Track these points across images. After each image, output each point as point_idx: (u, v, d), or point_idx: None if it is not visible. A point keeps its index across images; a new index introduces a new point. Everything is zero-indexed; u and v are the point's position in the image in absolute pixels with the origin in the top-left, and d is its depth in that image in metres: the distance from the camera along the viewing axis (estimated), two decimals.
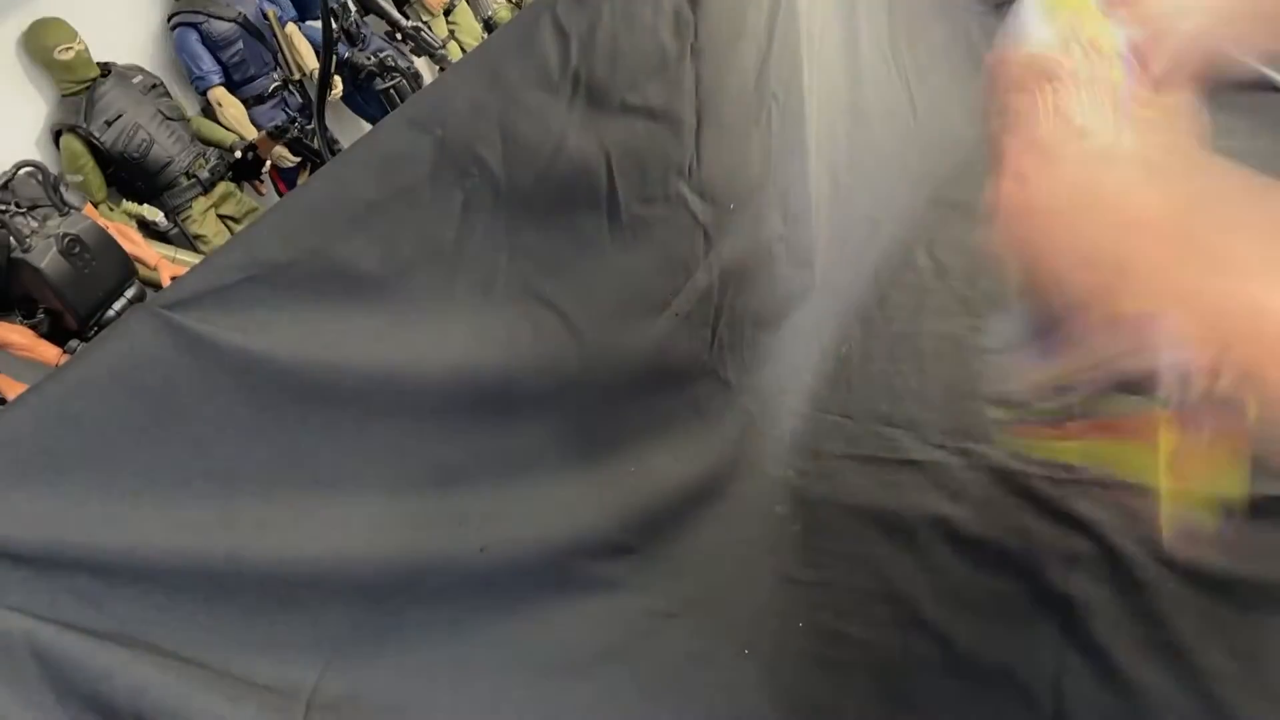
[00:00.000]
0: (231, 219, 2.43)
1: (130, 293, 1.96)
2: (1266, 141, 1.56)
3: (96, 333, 1.91)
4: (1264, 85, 1.73)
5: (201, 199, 2.35)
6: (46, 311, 1.87)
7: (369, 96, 2.47)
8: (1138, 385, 0.49)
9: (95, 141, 2.12)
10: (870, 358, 1.36)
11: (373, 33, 2.55)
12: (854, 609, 1.03)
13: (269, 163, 2.49)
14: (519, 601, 0.94)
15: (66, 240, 1.82)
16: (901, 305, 1.46)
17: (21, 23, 2.04)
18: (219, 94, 2.41)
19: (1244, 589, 0.91)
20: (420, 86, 2.34)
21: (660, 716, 0.95)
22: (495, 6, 2.95)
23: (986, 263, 1.51)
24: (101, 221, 1.97)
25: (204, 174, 2.33)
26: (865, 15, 1.71)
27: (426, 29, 2.23)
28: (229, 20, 2.38)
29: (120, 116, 2.14)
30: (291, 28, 2.57)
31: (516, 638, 0.92)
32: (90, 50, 2.11)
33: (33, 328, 1.85)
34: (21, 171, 1.90)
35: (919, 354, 1.33)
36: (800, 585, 1.08)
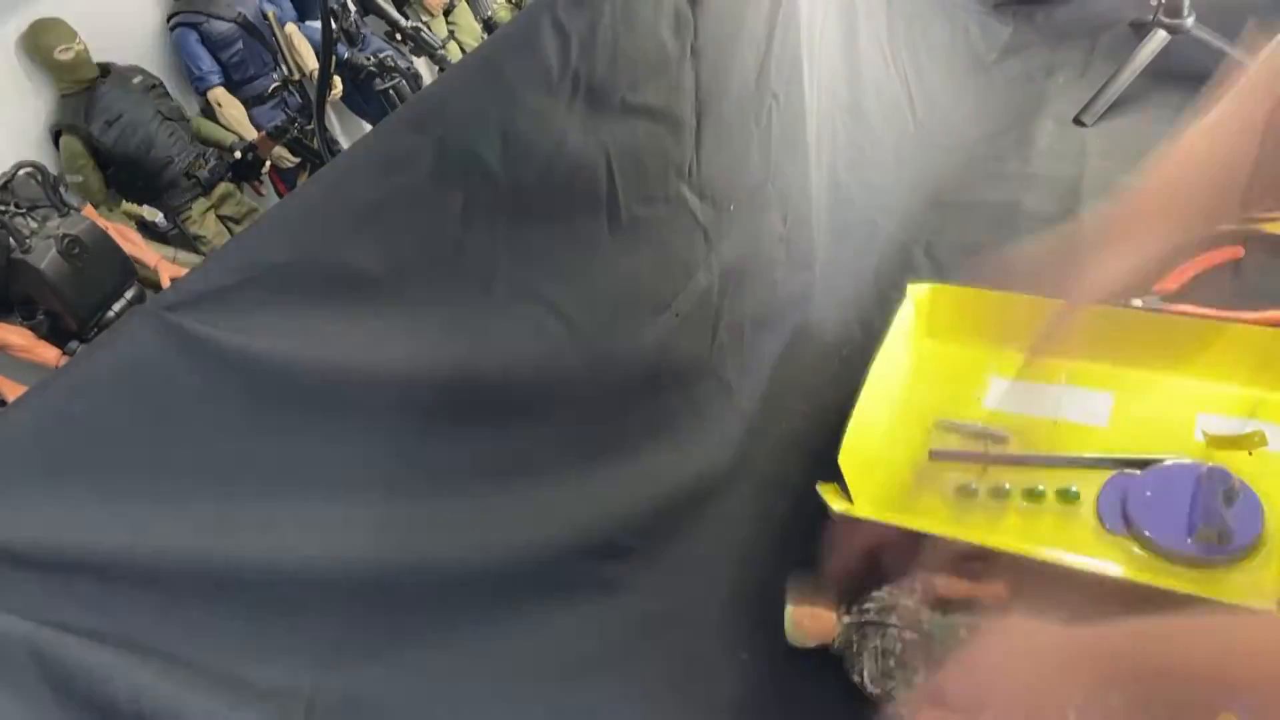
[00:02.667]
0: (231, 219, 2.42)
1: (130, 294, 1.96)
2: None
3: (96, 334, 1.91)
4: None
5: (201, 199, 2.34)
6: (46, 312, 1.86)
7: (369, 96, 2.47)
8: None
9: (95, 142, 2.11)
10: (872, 359, 1.36)
11: (372, 33, 2.55)
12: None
13: (268, 163, 2.48)
14: (519, 603, 0.94)
15: (66, 241, 1.81)
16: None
17: (21, 23, 2.03)
18: (219, 94, 2.40)
19: None
20: (420, 87, 2.34)
21: (659, 718, 0.95)
22: (495, 6, 2.94)
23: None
24: (101, 222, 1.96)
25: (204, 174, 2.32)
26: (865, 15, 1.71)
27: (426, 29, 2.23)
28: (229, 20, 2.37)
29: (120, 117, 2.14)
30: (291, 28, 2.56)
31: (516, 639, 0.92)
32: (90, 51, 2.11)
33: (32, 329, 1.84)
34: (21, 172, 1.89)
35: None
36: None
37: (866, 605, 0.96)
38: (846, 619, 0.96)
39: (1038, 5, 2.28)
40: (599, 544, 1.03)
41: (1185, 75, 1.83)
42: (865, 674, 0.91)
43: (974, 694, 0.71)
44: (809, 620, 0.96)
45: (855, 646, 0.93)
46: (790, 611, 0.96)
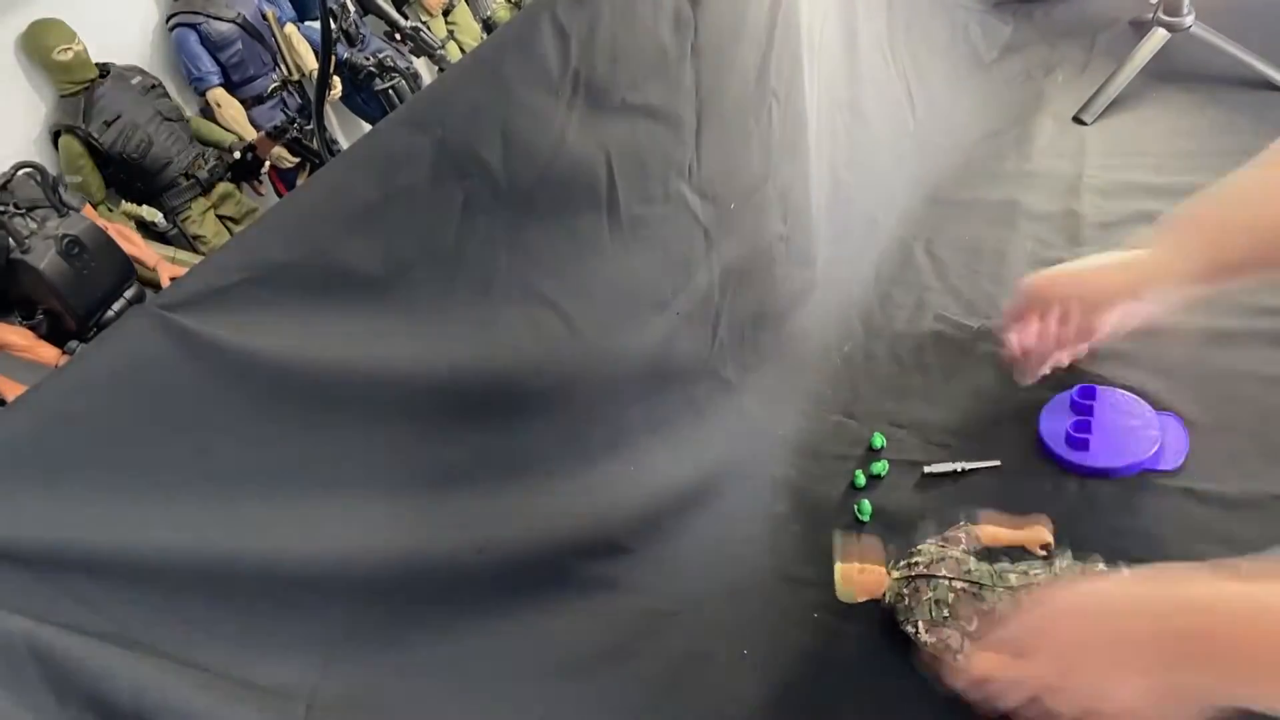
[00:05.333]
0: (231, 219, 2.42)
1: (129, 293, 1.95)
2: (1265, 141, 1.56)
3: (96, 334, 1.90)
4: (1265, 84, 1.73)
5: (200, 199, 2.34)
6: (45, 312, 1.86)
7: (368, 97, 2.46)
8: None
9: (94, 142, 2.11)
10: (873, 357, 1.36)
11: (371, 33, 2.54)
12: (859, 611, 1.03)
13: (268, 163, 2.48)
14: (518, 602, 0.94)
15: (65, 241, 1.81)
16: (903, 304, 1.46)
17: (20, 23, 2.03)
18: (218, 94, 2.40)
19: None
20: (419, 87, 2.34)
21: (659, 717, 0.95)
22: (494, 6, 2.94)
23: (983, 260, 1.51)
24: (101, 222, 1.96)
25: (203, 174, 2.31)
26: (865, 14, 1.71)
27: (425, 29, 2.22)
28: (228, 21, 2.37)
29: (119, 117, 2.13)
30: (290, 28, 2.56)
31: (515, 638, 0.92)
32: (89, 51, 2.11)
33: (32, 329, 1.84)
34: (20, 172, 1.89)
35: (922, 353, 1.33)
36: (800, 584, 1.08)
37: (915, 560, 0.98)
38: (895, 574, 0.97)
39: (1037, 3, 2.28)
40: (599, 542, 1.03)
41: (1185, 74, 1.84)
42: (920, 625, 0.92)
43: (1030, 638, 0.74)
44: (858, 575, 0.96)
45: (907, 600, 0.94)
46: (839, 569, 0.97)
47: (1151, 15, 1.86)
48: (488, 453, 0.94)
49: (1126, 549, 0.95)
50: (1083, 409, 1.14)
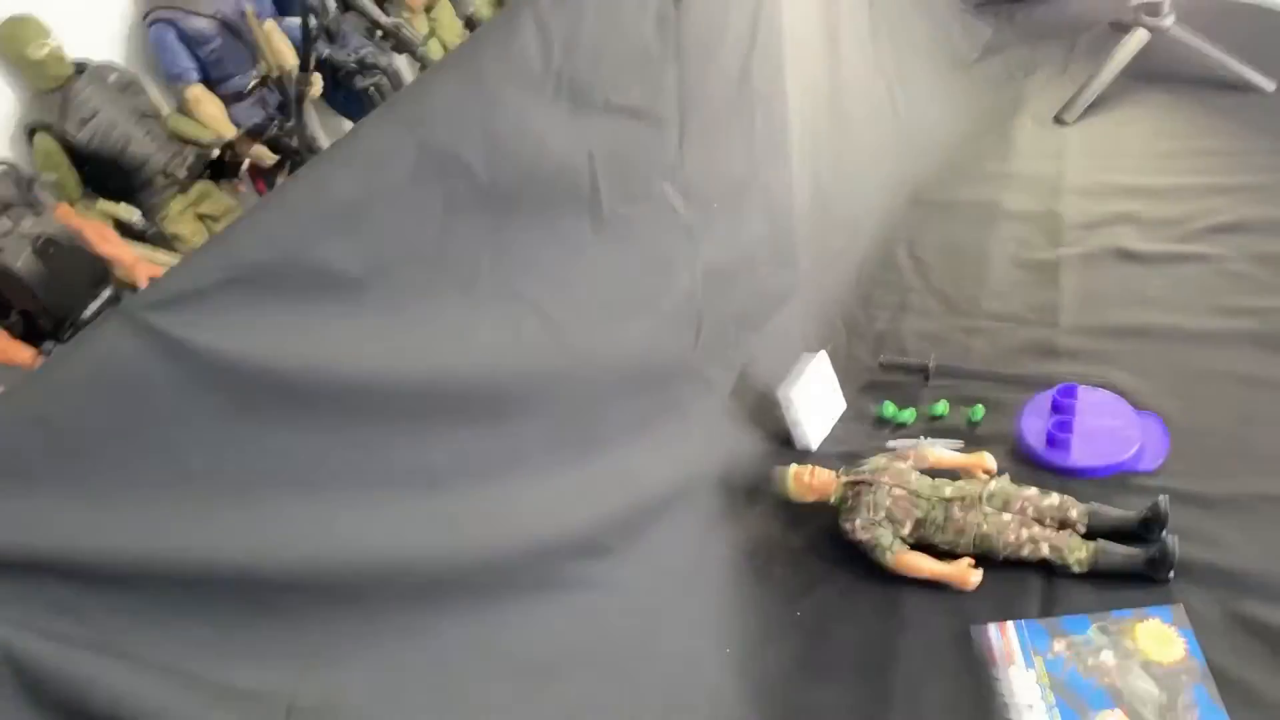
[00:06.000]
0: (210, 217, 2.39)
1: (106, 293, 1.92)
2: (1243, 142, 1.58)
3: (72, 334, 1.88)
4: (1245, 85, 1.75)
5: (178, 198, 2.31)
6: (20, 312, 1.84)
7: (350, 95, 2.44)
8: None
9: (70, 140, 2.08)
10: (855, 358, 1.36)
11: (353, 30, 2.52)
12: (840, 607, 1.03)
13: (247, 161, 2.45)
14: (498, 602, 0.94)
15: (41, 241, 1.78)
16: (885, 305, 1.46)
17: None
18: (196, 91, 2.36)
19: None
20: (401, 85, 2.32)
21: (642, 715, 0.95)
22: (477, 4, 2.92)
23: (965, 261, 1.52)
24: (76, 221, 1.93)
25: (181, 173, 2.29)
26: (847, 16, 1.71)
27: (407, 26, 2.21)
28: (206, 17, 2.34)
29: (96, 115, 2.10)
30: (270, 24, 2.53)
31: (496, 638, 0.92)
32: (64, 48, 2.08)
33: (6, 329, 1.81)
34: None
35: (904, 353, 1.34)
36: (782, 583, 1.08)
37: (863, 467, 1.09)
38: (844, 478, 1.09)
39: (1018, 5, 2.29)
40: (580, 542, 1.03)
41: (1165, 74, 1.85)
42: (857, 523, 1.03)
43: None
44: (809, 477, 1.08)
45: (850, 501, 1.06)
46: (792, 469, 1.10)
47: (1132, 17, 1.87)
48: (469, 454, 0.93)
49: None
50: (1063, 408, 1.15)
